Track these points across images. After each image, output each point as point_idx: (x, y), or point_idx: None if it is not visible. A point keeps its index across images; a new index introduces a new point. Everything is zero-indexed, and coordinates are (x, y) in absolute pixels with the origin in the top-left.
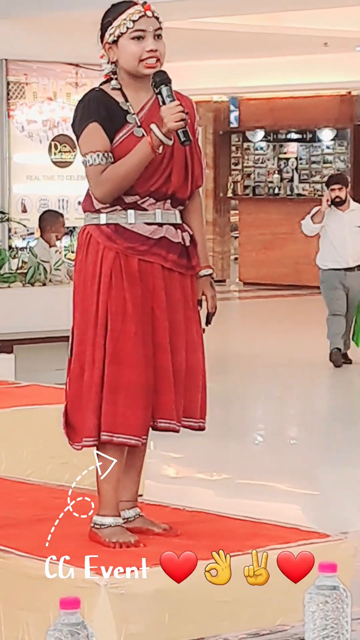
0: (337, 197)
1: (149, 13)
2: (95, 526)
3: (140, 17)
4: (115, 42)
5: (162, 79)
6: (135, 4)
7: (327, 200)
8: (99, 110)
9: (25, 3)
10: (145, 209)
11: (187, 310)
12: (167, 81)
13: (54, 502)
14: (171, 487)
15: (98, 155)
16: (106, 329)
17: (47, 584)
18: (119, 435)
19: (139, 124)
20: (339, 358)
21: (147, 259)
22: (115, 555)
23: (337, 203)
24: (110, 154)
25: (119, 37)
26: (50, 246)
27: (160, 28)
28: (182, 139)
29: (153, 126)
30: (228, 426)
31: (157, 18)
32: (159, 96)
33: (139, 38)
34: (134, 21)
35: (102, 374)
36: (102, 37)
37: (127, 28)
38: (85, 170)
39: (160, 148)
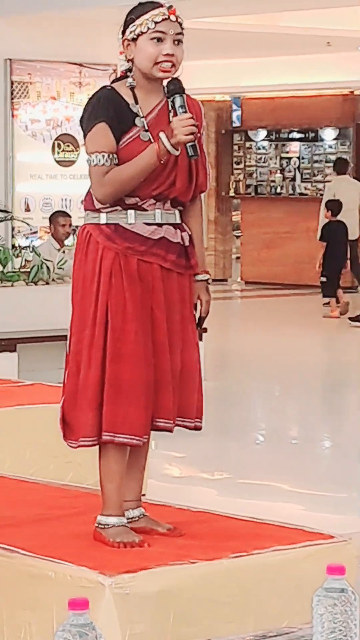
0: None
1: (172, 17)
2: (100, 526)
3: (163, 20)
4: (134, 40)
5: (175, 87)
6: (161, 5)
7: None
8: (108, 110)
9: (28, 2)
10: (145, 210)
11: (184, 309)
12: (180, 90)
13: (57, 501)
14: (173, 486)
15: (103, 156)
16: (106, 328)
17: (50, 584)
18: (121, 435)
19: (146, 127)
20: None
21: (146, 259)
22: (119, 555)
23: None
24: (115, 156)
25: (138, 35)
26: (60, 245)
27: (181, 34)
28: (191, 154)
29: (162, 135)
30: (229, 426)
31: (180, 24)
32: (171, 104)
33: (158, 40)
34: (156, 22)
35: (101, 374)
36: (123, 33)
37: (148, 28)
38: (88, 169)
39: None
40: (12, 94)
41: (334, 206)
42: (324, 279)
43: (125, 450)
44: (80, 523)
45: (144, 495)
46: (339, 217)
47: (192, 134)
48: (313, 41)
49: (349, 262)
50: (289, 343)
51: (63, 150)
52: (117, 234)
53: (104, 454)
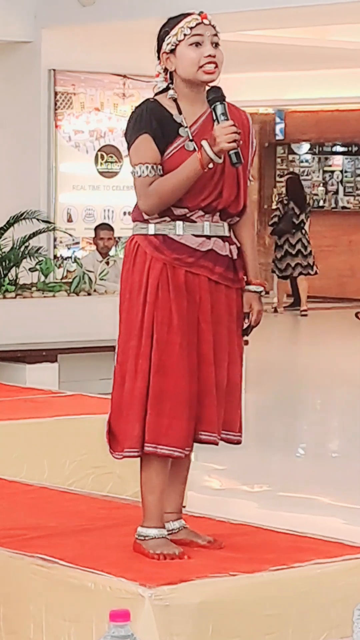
0: None
1: (205, 21)
2: (140, 537)
3: (197, 24)
4: (173, 50)
5: (216, 96)
6: (192, 13)
7: None
8: (151, 121)
9: (73, 14)
10: (193, 221)
11: (231, 323)
12: (221, 98)
13: (98, 512)
14: (214, 498)
15: (147, 167)
16: (152, 339)
17: (90, 595)
18: (163, 447)
19: (191, 137)
20: None
21: (194, 271)
22: (159, 567)
23: None
24: (159, 167)
25: (176, 45)
26: (103, 257)
27: (216, 35)
28: (234, 161)
29: (204, 143)
30: (270, 438)
31: (213, 27)
32: (213, 113)
33: (197, 44)
34: (191, 28)
35: (146, 385)
36: (159, 49)
37: (185, 35)
38: (133, 181)
39: (210, 165)
40: (55, 104)
41: None
42: None
43: (167, 462)
44: (120, 534)
45: (184, 507)
46: None
47: (234, 141)
48: (357, 55)
49: None
50: (330, 356)
51: (106, 162)
52: (166, 245)
53: (146, 466)
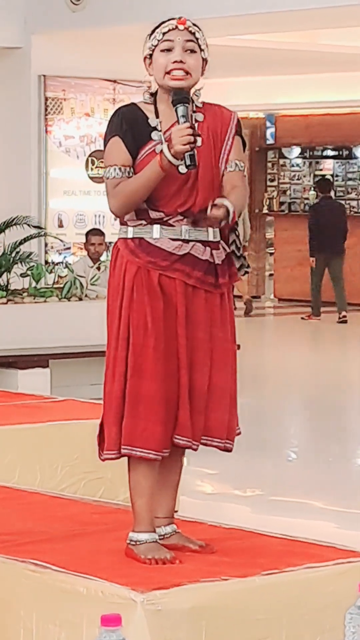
0: None
1: (180, 27)
2: (131, 542)
3: (169, 30)
4: (150, 56)
5: (179, 97)
6: (173, 18)
7: None
8: (122, 125)
9: (63, 19)
10: (171, 225)
11: (214, 328)
12: (184, 100)
13: (90, 517)
14: (206, 503)
15: (114, 169)
16: (128, 342)
17: (82, 600)
18: (138, 449)
19: (164, 141)
20: None
21: (169, 274)
22: (151, 572)
23: None
24: (127, 169)
25: (153, 51)
26: (94, 263)
27: (192, 41)
28: (188, 163)
29: (163, 145)
30: (262, 442)
31: (192, 33)
32: (175, 115)
33: (167, 50)
34: (164, 33)
35: (123, 388)
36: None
37: (158, 40)
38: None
39: (181, 168)
40: (46, 110)
41: None
42: None
43: (154, 465)
44: (112, 539)
45: (176, 511)
46: None
47: (189, 143)
48: (347, 59)
49: None
50: (321, 360)
51: (97, 167)
52: (141, 248)
53: (133, 469)
